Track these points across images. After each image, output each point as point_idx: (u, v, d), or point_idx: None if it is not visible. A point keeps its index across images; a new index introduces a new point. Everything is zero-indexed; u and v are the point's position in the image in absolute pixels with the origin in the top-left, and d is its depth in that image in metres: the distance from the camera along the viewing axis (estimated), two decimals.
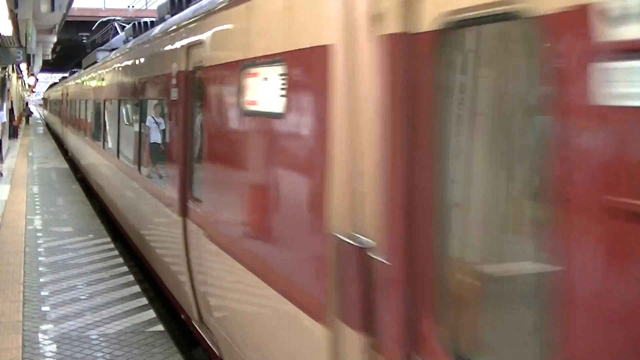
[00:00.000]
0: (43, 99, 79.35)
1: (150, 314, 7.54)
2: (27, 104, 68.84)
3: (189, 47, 6.22)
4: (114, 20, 32.78)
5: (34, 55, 30.17)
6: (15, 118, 37.32)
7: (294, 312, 3.72)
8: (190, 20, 6.36)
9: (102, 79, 14.33)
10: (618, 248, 1.83)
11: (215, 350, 5.59)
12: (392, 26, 2.76)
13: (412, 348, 2.72)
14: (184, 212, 6.19)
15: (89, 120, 17.39)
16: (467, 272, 2.74)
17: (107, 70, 13.62)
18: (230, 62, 4.83)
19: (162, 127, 7.83)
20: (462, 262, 2.73)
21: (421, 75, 2.62)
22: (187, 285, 6.15)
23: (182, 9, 8.06)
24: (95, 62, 18.08)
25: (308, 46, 3.54)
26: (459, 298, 2.72)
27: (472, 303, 2.76)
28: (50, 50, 38.02)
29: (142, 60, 9.42)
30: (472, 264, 2.77)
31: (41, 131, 48.08)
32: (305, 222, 3.62)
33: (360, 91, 3.01)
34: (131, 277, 9.06)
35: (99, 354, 6.32)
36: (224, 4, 5.19)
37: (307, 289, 3.59)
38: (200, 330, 6.06)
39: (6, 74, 26.46)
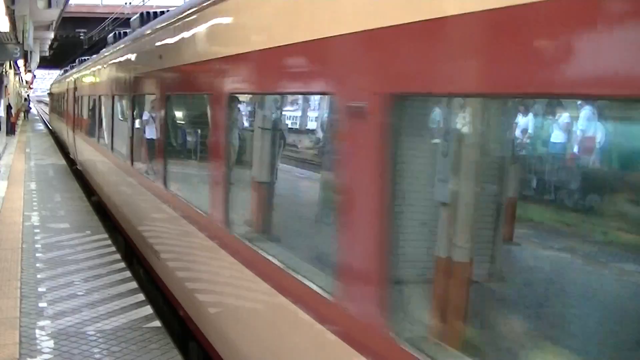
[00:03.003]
0: (49, 93, 52.55)
1: (148, 310, 7.56)
2: (25, 99, 68.96)
3: None
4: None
5: (31, 52, 30.14)
6: (13, 115, 37.26)
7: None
8: None
9: None
10: None
11: None
12: None
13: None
14: None
15: None
16: None
17: None
18: None
19: None
20: None
21: None
22: None
23: None
24: None
25: None
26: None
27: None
28: (47, 46, 38.00)
29: None
30: None
31: (39, 127, 47.95)
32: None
33: None
34: (128, 274, 9.07)
35: (96, 350, 6.33)
36: None
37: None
38: None
39: (3, 70, 26.43)
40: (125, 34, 13.73)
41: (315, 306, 3.71)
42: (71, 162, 22.65)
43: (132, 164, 10.24)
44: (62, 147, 27.95)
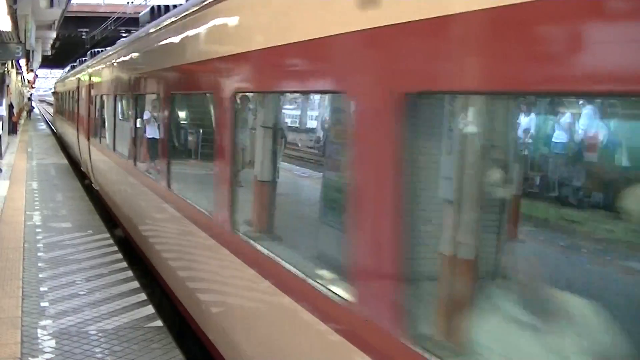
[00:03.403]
0: (54, 92, 44.05)
1: (149, 309, 7.55)
2: (29, 99, 69.32)
3: None
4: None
5: (33, 51, 30.11)
6: (15, 114, 37.27)
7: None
8: None
9: None
10: None
11: None
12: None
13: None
14: None
15: None
16: None
17: None
18: None
19: None
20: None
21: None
22: None
23: None
24: None
25: None
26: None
27: None
28: (49, 46, 37.99)
29: None
30: None
31: (41, 127, 47.96)
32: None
33: None
34: (130, 273, 9.06)
35: (98, 350, 6.33)
36: None
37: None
38: None
39: (5, 70, 26.43)
40: (167, 9, 9.89)
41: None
42: (76, 166, 22.62)
43: (211, 213, 5.78)
44: (65, 148, 27.91)
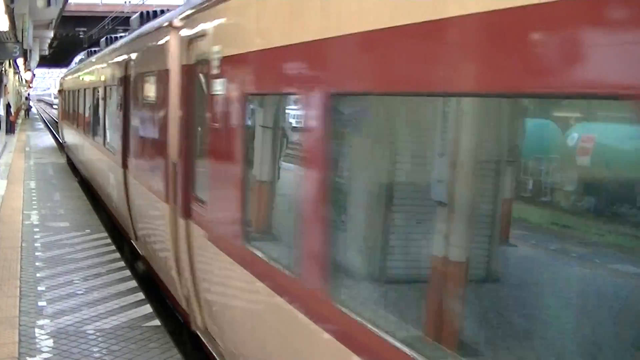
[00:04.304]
0: (60, 91, 29.74)
1: (147, 308, 7.55)
2: (26, 98, 69.33)
3: None
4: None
5: (30, 51, 30.11)
6: (12, 113, 37.24)
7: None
8: None
9: None
10: None
11: None
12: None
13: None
14: None
15: None
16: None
17: None
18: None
19: None
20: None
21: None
22: None
23: None
24: None
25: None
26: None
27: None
28: (47, 45, 38.03)
29: None
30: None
31: (39, 127, 47.90)
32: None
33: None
34: (127, 272, 9.06)
35: (96, 349, 6.32)
36: None
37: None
38: None
39: (3, 69, 26.41)
40: None
41: None
42: (75, 166, 22.47)
43: None
44: (64, 148, 27.72)
